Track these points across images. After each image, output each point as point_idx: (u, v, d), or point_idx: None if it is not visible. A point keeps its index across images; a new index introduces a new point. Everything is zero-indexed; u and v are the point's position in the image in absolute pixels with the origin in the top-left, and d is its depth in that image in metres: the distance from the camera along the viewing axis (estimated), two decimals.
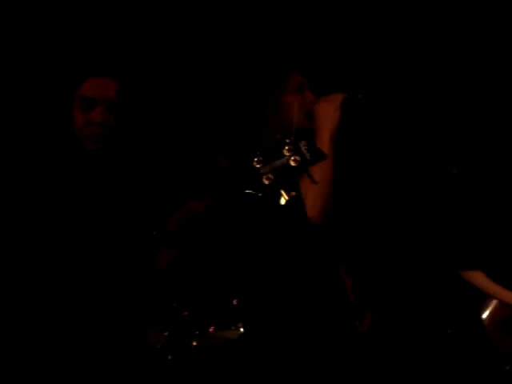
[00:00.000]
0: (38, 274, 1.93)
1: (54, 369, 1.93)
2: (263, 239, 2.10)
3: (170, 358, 2.25)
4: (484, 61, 3.02)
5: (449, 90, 3.05)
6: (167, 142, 2.75)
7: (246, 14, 2.93)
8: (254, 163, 1.42)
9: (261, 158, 1.42)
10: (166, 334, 2.25)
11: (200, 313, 2.40)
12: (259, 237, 2.09)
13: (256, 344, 2.18)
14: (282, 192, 1.42)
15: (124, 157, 2.16)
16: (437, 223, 2.81)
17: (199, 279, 2.32)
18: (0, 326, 1.92)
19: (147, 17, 2.79)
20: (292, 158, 1.40)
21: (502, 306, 2.66)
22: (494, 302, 2.68)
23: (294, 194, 1.40)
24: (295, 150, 1.40)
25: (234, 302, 2.38)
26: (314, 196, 1.79)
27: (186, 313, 2.34)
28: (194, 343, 2.34)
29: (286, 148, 1.41)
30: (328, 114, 2.06)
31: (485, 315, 2.64)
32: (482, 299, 2.67)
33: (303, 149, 1.39)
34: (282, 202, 1.41)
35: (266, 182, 1.42)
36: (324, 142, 2.05)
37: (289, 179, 1.41)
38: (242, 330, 2.37)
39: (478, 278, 2.67)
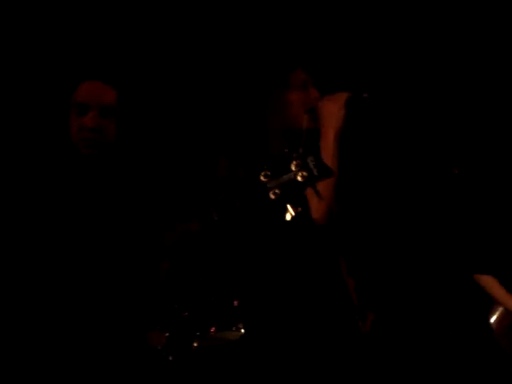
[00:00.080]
0: (35, 279, 1.93)
1: (54, 369, 1.93)
2: (265, 238, 2.10)
3: (170, 358, 2.26)
4: (486, 61, 3.00)
5: (450, 90, 3.03)
6: (166, 144, 2.74)
7: (249, 12, 2.91)
8: (261, 177, 1.41)
9: (268, 173, 1.41)
10: (167, 334, 2.25)
11: (201, 314, 2.40)
12: (261, 236, 2.09)
13: (257, 345, 2.18)
14: (289, 207, 1.41)
15: (121, 161, 2.15)
16: (440, 223, 2.81)
17: (200, 280, 2.32)
18: (2, 326, 1.92)
19: (145, 16, 2.76)
20: (299, 173, 1.39)
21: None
22: (503, 308, 2.68)
23: (300, 209, 1.39)
24: (303, 166, 1.39)
25: (235, 302, 2.39)
26: (319, 195, 1.78)
27: (186, 314, 2.34)
28: (195, 344, 2.34)
29: (294, 163, 1.40)
30: (333, 112, 2.05)
31: (493, 319, 2.65)
32: (491, 303, 2.67)
33: (311, 164, 1.38)
34: (288, 217, 1.40)
35: (273, 197, 1.41)
36: (328, 141, 2.04)
37: (295, 194, 1.40)
38: (242, 330, 2.37)
39: (488, 283, 2.67)
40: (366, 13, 2.98)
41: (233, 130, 2.32)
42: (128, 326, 2.06)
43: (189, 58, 2.89)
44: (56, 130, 2.02)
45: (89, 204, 2.01)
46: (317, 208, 1.89)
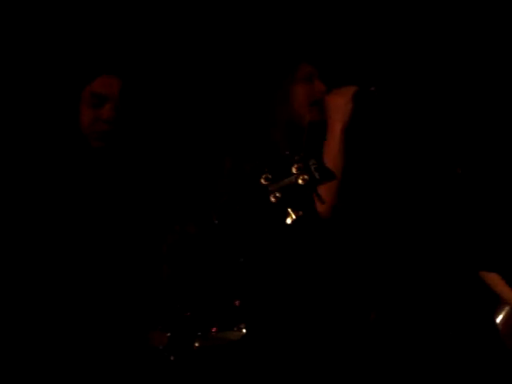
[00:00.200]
0: (42, 273, 1.94)
1: (56, 369, 1.94)
2: (266, 241, 2.10)
3: (172, 358, 2.26)
4: (491, 60, 2.99)
5: (455, 88, 3.02)
6: (171, 140, 2.74)
7: (255, 4, 2.89)
8: (262, 180, 1.40)
9: (269, 176, 1.40)
10: (169, 334, 2.25)
11: (202, 314, 2.39)
12: (262, 239, 2.08)
13: (258, 345, 2.19)
14: (289, 210, 1.40)
15: (128, 155, 2.15)
16: (446, 221, 2.80)
17: (201, 280, 2.31)
18: (2, 326, 1.92)
19: (150, 10, 2.75)
20: (301, 176, 1.39)
21: None
22: (509, 306, 2.67)
23: (301, 213, 1.39)
24: (304, 169, 1.38)
25: (236, 303, 2.38)
26: (323, 190, 1.78)
27: (188, 314, 2.34)
28: (197, 344, 2.34)
29: (295, 166, 1.39)
30: (340, 106, 2.05)
31: (499, 319, 2.64)
32: (497, 302, 2.66)
33: (312, 168, 1.37)
34: (289, 221, 1.40)
35: (273, 200, 1.41)
36: (335, 135, 2.04)
37: (296, 198, 1.40)
38: (244, 330, 2.37)
39: (494, 281, 2.66)
40: (374, 5, 2.96)
41: (238, 127, 2.32)
42: (129, 326, 2.06)
43: (193, 52, 2.88)
44: (65, 122, 2.02)
45: (97, 196, 2.02)
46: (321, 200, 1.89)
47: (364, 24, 2.97)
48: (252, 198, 1.43)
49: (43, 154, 2.02)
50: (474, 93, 3.03)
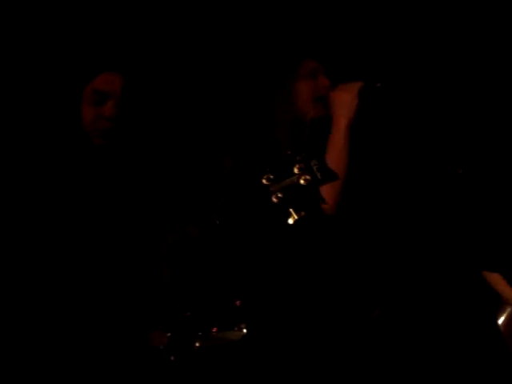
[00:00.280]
0: (43, 272, 1.93)
1: (56, 369, 1.94)
2: (267, 241, 2.09)
3: (172, 358, 2.25)
4: (493, 59, 2.97)
5: (457, 88, 3.01)
6: (173, 138, 2.73)
7: (257, 1, 2.87)
8: (264, 180, 1.39)
9: (270, 176, 1.39)
10: (169, 334, 2.24)
11: (203, 313, 2.39)
12: (263, 238, 2.08)
13: (259, 345, 2.18)
14: (291, 211, 1.39)
15: (130, 153, 2.15)
16: (448, 221, 2.79)
17: (202, 280, 2.31)
18: (2, 326, 1.92)
19: (155, 7, 2.74)
20: (302, 177, 1.38)
21: None
22: (511, 307, 2.66)
23: (303, 213, 1.38)
24: (306, 169, 1.37)
25: (237, 303, 2.38)
26: (328, 186, 1.78)
27: (188, 313, 2.33)
28: (197, 344, 2.33)
29: (297, 166, 1.38)
30: (345, 102, 2.04)
31: (501, 320, 2.63)
32: (499, 304, 2.65)
33: (314, 168, 1.36)
34: (291, 221, 1.39)
35: (275, 201, 1.40)
36: (340, 131, 2.03)
37: (298, 198, 1.39)
38: (244, 330, 2.37)
39: (495, 281, 2.65)
40: (380, 1, 2.94)
41: (240, 126, 2.31)
42: (130, 326, 2.06)
43: (195, 50, 2.87)
44: (67, 120, 2.02)
45: (99, 194, 2.02)
46: (326, 196, 1.88)
47: (370, 19, 2.95)
48: (253, 198, 1.42)
49: (45, 151, 2.02)
50: (476, 92, 3.02)
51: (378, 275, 2.26)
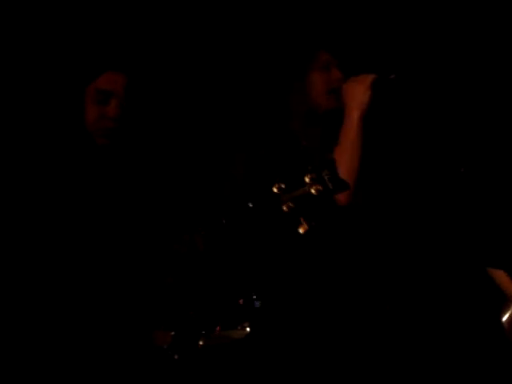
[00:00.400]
0: (46, 272, 1.92)
1: (59, 369, 1.93)
2: (274, 245, 2.08)
3: (176, 357, 2.26)
4: (496, 59, 2.95)
5: (460, 87, 2.99)
6: (178, 138, 2.71)
7: None
8: (274, 189, 1.38)
9: (282, 185, 1.38)
10: (173, 333, 2.25)
11: (206, 312, 2.39)
12: (270, 242, 2.07)
13: (262, 344, 2.18)
14: (302, 220, 1.38)
15: (133, 153, 2.13)
16: (452, 218, 2.79)
17: (205, 279, 2.30)
18: (3, 326, 1.91)
19: (160, 5, 2.71)
20: (314, 186, 1.36)
21: None
22: None
23: (313, 223, 1.36)
24: (317, 179, 1.36)
25: (240, 301, 2.38)
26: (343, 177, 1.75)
27: (192, 312, 2.33)
28: (201, 343, 2.34)
29: (308, 176, 1.37)
30: (358, 94, 2.03)
31: (505, 318, 2.63)
32: (503, 301, 2.64)
33: (326, 178, 1.35)
34: (301, 230, 1.37)
35: (286, 210, 1.38)
36: (352, 123, 2.02)
37: (309, 208, 1.38)
38: (248, 329, 2.37)
39: (500, 277, 2.64)
40: None
41: (253, 118, 2.29)
42: (133, 325, 2.06)
43: (203, 47, 2.84)
44: (70, 119, 2.00)
45: (101, 194, 2.00)
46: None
47: (383, 11, 2.91)
48: (264, 206, 1.41)
49: (48, 151, 2.00)
50: (478, 92, 3.00)
51: (386, 272, 2.25)
